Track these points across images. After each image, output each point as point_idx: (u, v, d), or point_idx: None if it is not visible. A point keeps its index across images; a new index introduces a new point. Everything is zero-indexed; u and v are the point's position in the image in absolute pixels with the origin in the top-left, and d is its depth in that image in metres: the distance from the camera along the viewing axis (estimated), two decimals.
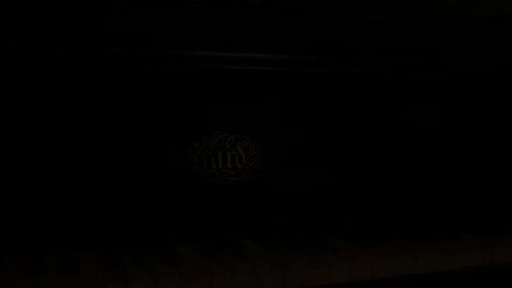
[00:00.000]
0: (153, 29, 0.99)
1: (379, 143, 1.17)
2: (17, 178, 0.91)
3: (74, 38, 0.93)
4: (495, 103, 1.29)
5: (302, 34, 1.24)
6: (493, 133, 1.27)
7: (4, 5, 0.89)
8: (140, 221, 0.98)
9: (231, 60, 1.03)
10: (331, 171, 1.13)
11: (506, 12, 1.35)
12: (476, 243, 1.01)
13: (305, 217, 1.11)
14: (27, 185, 0.91)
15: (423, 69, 1.19)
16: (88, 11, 0.94)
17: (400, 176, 1.19)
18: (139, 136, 0.98)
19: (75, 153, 0.94)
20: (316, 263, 0.87)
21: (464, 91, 1.25)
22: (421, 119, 1.23)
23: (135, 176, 0.97)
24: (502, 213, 1.24)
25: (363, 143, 1.16)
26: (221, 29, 1.09)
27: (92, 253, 0.91)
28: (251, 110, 1.07)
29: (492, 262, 0.99)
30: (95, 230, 0.95)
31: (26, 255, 0.89)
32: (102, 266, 0.84)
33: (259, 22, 1.21)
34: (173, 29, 1.05)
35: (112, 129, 0.96)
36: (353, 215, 1.13)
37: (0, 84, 0.89)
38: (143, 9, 0.99)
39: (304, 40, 1.21)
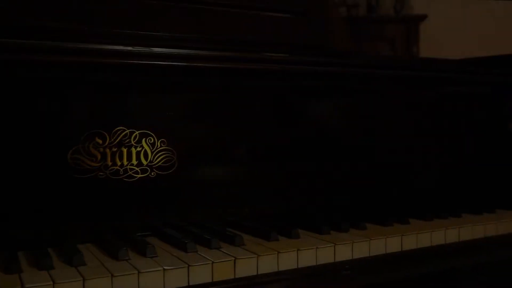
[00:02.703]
0: (49, 18, 0.95)
1: (291, 141, 1.20)
2: None
3: None
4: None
5: (212, 30, 1.25)
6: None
7: None
8: (38, 222, 0.94)
9: (137, 55, 1.00)
10: (238, 167, 1.14)
11: None
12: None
13: (213, 213, 1.11)
14: None
15: (335, 65, 1.23)
16: None
17: (305, 172, 1.22)
18: (35, 133, 0.94)
19: None
20: (221, 258, 0.87)
21: (375, 85, 1.30)
22: (334, 114, 1.27)
23: (31, 175, 0.93)
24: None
25: (275, 141, 1.18)
26: (125, 22, 1.07)
27: None
28: (157, 106, 1.05)
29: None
30: None
31: None
32: None
33: (166, 16, 1.20)
34: (73, 21, 1.01)
35: (8, 126, 0.91)
36: (258, 210, 1.15)
37: None
38: None
39: (214, 36, 1.21)
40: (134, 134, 1.01)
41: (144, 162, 1.02)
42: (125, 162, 1.00)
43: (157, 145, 1.03)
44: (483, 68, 1.46)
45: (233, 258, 0.87)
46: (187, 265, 0.84)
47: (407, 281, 1.08)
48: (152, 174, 1.03)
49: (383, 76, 1.30)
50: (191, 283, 0.84)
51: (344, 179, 1.28)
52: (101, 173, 0.98)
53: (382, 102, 1.34)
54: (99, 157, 0.98)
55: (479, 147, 1.49)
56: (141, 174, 1.02)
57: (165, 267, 0.82)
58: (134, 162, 1.01)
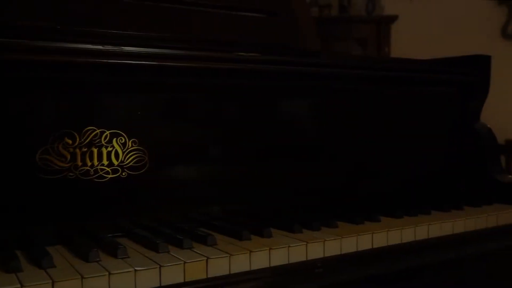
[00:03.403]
0: (16, 16, 0.94)
1: (263, 140, 1.20)
2: None
3: None
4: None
5: (184, 29, 1.24)
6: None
7: None
8: (6, 224, 0.92)
9: (108, 54, 0.99)
10: (211, 167, 1.14)
11: None
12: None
13: (185, 213, 1.11)
14: None
15: (305, 65, 1.23)
16: None
17: (277, 171, 1.22)
18: (2, 133, 0.92)
19: None
20: (193, 258, 0.87)
21: (344, 84, 1.32)
22: (304, 113, 1.28)
23: None
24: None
25: (246, 140, 1.18)
26: (96, 20, 1.06)
27: None
28: (128, 105, 1.05)
29: None
30: None
31: None
32: None
33: (137, 16, 1.19)
34: (42, 19, 1.00)
35: None
36: (230, 209, 1.15)
37: None
38: None
39: (185, 35, 1.21)
40: (104, 134, 1.00)
41: (115, 162, 1.01)
42: (96, 163, 0.99)
43: (128, 145, 1.02)
44: (449, 68, 1.49)
45: (205, 258, 0.87)
46: (158, 266, 0.83)
47: (379, 278, 1.09)
48: (123, 174, 1.02)
49: (351, 76, 1.31)
50: (163, 284, 0.83)
51: (315, 178, 1.29)
52: (71, 174, 0.97)
53: (351, 102, 1.35)
54: (68, 157, 0.97)
55: (447, 145, 1.52)
56: (112, 174, 1.01)
57: (136, 268, 0.81)
58: (105, 162, 1.00)
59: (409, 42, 3.67)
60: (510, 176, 1.51)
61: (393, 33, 3.81)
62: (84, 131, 0.98)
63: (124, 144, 1.02)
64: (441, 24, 4.02)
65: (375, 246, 1.07)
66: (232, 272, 0.89)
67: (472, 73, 1.49)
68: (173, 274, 0.84)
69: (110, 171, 1.01)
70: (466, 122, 1.52)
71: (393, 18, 3.79)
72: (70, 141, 0.97)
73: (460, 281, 1.21)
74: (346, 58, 1.73)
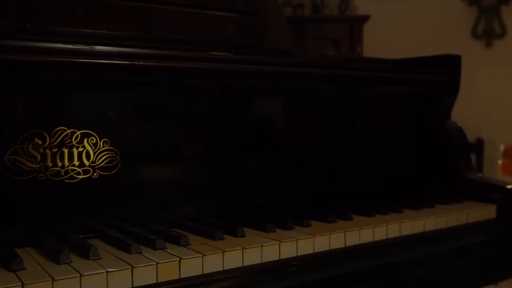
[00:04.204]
0: None
1: (235, 140, 1.20)
2: None
3: None
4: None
5: (156, 29, 1.24)
6: None
7: None
8: None
9: (79, 53, 0.98)
10: (183, 167, 1.13)
11: None
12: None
13: (158, 214, 1.10)
14: None
15: (276, 65, 1.24)
16: None
17: (250, 170, 1.23)
18: None
19: None
20: (166, 258, 0.87)
21: (316, 84, 1.32)
22: (277, 113, 1.28)
23: None
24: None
25: (218, 140, 1.18)
26: (67, 19, 1.05)
27: None
28: (99, 105, 1.03)
29: None
30: None
31: None
32: None
33: (109, 15, 1.18)
34: (12, 18, 0.98)
35: None
36: (204, 209, 1.15)
37: None
38: None
39: (157, 34, 1.20)
40: (75, 134, 0.99)
41: (86, 163, 1.00)
42: (67, 163, 0.98)
43: (100, 145, 1.01)
44: (420, 67, 1.51)
45: (178, 258, 0.87)
46: (130, 267, 0.82)
47: (352, 275, 1.10)
48: (95, 174, 1.01)
49: (323, 75, 1.32)
50: (135, 285, 0.83)
51: (288, 177, 1.29)
52: (41, 175, 0.96)
53: (323, 101, 1.36)
54: (39, 158, 0.95)
55: (419, 144, 1.54)
56: (83, 175, 1.00)
57: (108, 269, 0.81)
58: (76, 162, 0.99)
59: (381, 42, 3.71)
60: (480, 174, 1.54)
61: (365, 33, 3.85)
62: (54, 131, 0.97)
63: (95, 144, 1.01)
64: (413, 24, 4.07)
65: (347, 245, 1.08)
66: (205, 272, 0.89)
67: (443, 72, 1.51)
68: (146, 275, 0.83)
69: (81, 171, 1.00)
70: (437, 121, 1.54)
71: (365, 18, 3.82)
72: (40, 142, 0.95)
73: (433, 279, 1.23)
74: (318, 58, 1.74)
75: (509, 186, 1.39)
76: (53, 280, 0.76)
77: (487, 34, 4.19)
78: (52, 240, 0.94)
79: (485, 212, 1.34)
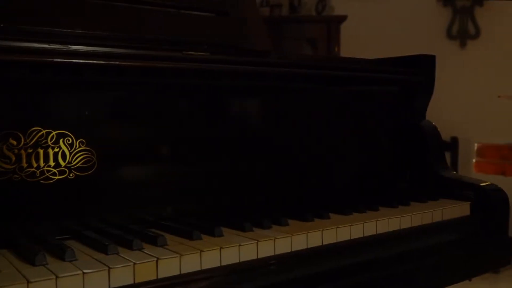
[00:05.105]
0: None
1: (213, 140, 1.20)
2: None
3: None
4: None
5: (132, 28, 1.23)
6: None
7: None
8: None
9: (54, 52, 0.97)
10: (160, 167, 1.13)
11: None
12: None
13: (135, 214, 1.10)
14: None
15: (253, 64, 1.24)
16: None
17: (227, 170, 1.23)
18: None
19: None
20: (143, 258, 0.86)
21: (292, 84, 1.33)
22: (253, 113, 1.28)
23: None
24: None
25: (196, 140, 1.18)
26: (42, 19, 1.04)
27: None
28: (75, 105, 1.03)
29: None
30: None
31: None
32: None
33: (85, 14, 1.17)
34: None
35: None
36: (181, 210, 1.15)
37: None
38: None
39: (133, 34, 1.19)
40: (51, 135, 0.98)
41: (62, 164, 0.99)
42: (42, 164, 0.97)
43: (76, 146, 1.01)
44: (395, 67, 1.53)
45: (155, 259, 0.87)
46: (107, 268, 0.82)
47: (330, 273, 1.11)
48: (71, 175, 1.00)
49: (300, 75, 1.33)
50: (112, 286, 0.82)
51: (266, 177, 1.30)
52: (16, 176, 0.95)
53: (299, 101, 1.37)
54: (13, 158, 0.94)
55: (394, 143, 1.56)
56: (59, 175, 0.99)
57: (85, 271, 0.80)
58: (52, 163, 0.98)
59: (358, 42, 3.74)
60: (454, 172, 1.57)
61: (342, 33, 3.88)
62: (29, 131, 0.96)
63: (71, 145, 1.00)
64: (389, 24, 4.12)
65: (325, 243, 1.08)
66: (183, 272, 0.89)
67: (417, 72, 1.53)
68: (123, 276, 0.83)
69: (57, 172, 0.99)
70: (412, 120, 1.56)
71: (342, 18, 3.85)
72: (14, 142, 0.94)
73: (409, 275, 1.24)
74: (294, 57, 1.75)
75: (482, 184, 1.42)
76: (28, 282, 0.75)
77: (461, 35, 4.26)
78: (27, 242, 0.93)
79: (459, 209, 1.36)
